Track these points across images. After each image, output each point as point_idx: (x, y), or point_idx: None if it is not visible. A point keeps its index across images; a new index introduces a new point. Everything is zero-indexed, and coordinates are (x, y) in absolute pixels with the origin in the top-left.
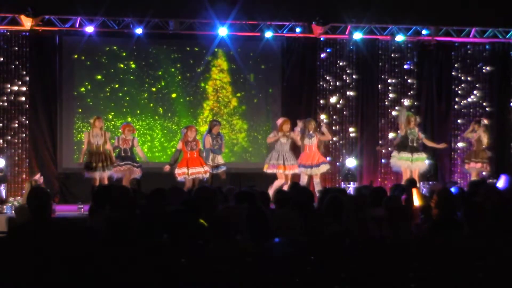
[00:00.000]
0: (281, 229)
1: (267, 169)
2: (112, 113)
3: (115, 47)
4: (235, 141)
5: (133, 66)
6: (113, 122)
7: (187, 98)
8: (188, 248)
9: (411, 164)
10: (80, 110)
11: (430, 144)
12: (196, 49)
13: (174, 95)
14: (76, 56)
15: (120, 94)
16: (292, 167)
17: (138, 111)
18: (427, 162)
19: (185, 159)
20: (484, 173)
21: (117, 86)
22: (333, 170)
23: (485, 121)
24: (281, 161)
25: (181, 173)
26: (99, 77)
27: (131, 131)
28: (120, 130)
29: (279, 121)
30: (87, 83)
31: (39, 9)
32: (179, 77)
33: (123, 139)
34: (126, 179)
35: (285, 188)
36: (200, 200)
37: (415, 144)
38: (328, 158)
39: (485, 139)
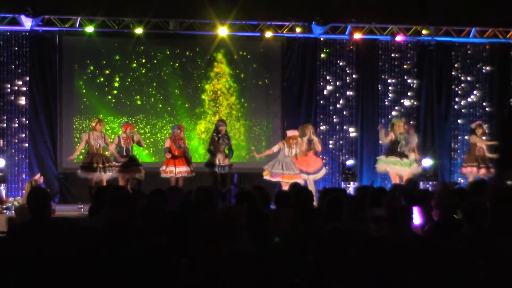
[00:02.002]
0: (280, 229)
1: (269, 177)
2: (112, 113)
3: (115, 47)
4: (235, 141)
5: (133, 66)
6: (111, 123)
7: (187, 98)
8: (188, 248)
9: (400, 168)
10: (80, 110)
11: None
12: (196, 49)
13: (174, 95)
14: (76, 57)
15: (119, 94)
16: (293, 177)
17: (138, 111)
18: (415, 165)
19: (172, 158)
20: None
21: (117, 86)
22: (333, 170)
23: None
24: (286, 171)
25: (168, 171)
26: (99, 77)
27: (132, 130)
28: (122, 129)
29: (290, 133)
30: (87, 83)
31: (39, 9)
32: (179, 77)
33: (125, 138)
34: (122, 179)
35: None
36: (199, 200)
37: (403, 149)
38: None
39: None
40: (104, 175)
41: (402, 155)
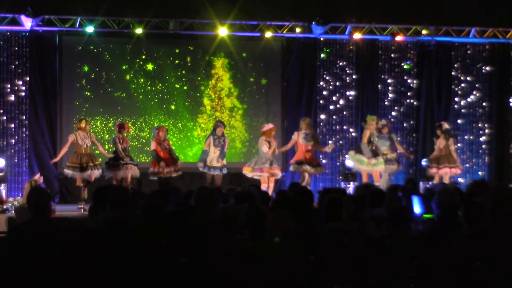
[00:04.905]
0: (279, 229)
1: (252, 173)
2: (112, 114)
3: (115, 47)
4: (235, 141)
5: (132, 66)
6: (111, 123)
7: (187, 98)
8: (188, 248)
9: (367, 168)
10: (79, 110)
11: (399, 148)
12: (196, 49)
13: (173, 95)
14: (76, 57)
15: (119, 94)
16: (277, 170)
17: (138, 111)
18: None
19: (158, 160)
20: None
21: (116, 86)
22: (333, 170)
23: (446, 125)
24: (267, 164)
25: (156, 172)
26: (99, 77)
27: (126, 130)
28: (115, 130)
29: (266, 127)
30: (86, 83)
31: (39, 9)
32: (179, 77)
33: (123, 138)
34: (127, 178)
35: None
36: (200, 200)
37: (373, 148)
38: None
39: (451, 145)
40: (95, 172)
41: (374, 153)
